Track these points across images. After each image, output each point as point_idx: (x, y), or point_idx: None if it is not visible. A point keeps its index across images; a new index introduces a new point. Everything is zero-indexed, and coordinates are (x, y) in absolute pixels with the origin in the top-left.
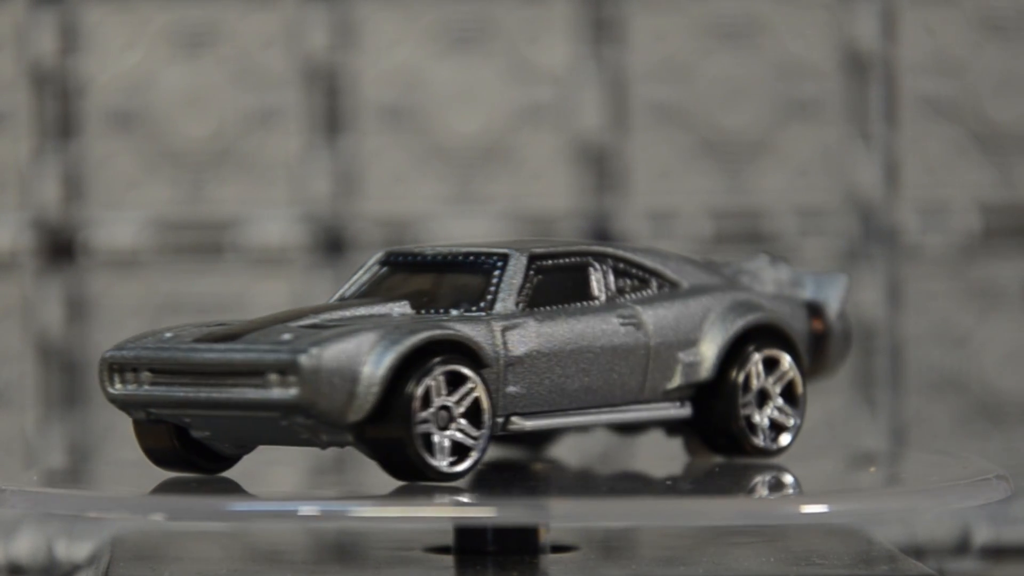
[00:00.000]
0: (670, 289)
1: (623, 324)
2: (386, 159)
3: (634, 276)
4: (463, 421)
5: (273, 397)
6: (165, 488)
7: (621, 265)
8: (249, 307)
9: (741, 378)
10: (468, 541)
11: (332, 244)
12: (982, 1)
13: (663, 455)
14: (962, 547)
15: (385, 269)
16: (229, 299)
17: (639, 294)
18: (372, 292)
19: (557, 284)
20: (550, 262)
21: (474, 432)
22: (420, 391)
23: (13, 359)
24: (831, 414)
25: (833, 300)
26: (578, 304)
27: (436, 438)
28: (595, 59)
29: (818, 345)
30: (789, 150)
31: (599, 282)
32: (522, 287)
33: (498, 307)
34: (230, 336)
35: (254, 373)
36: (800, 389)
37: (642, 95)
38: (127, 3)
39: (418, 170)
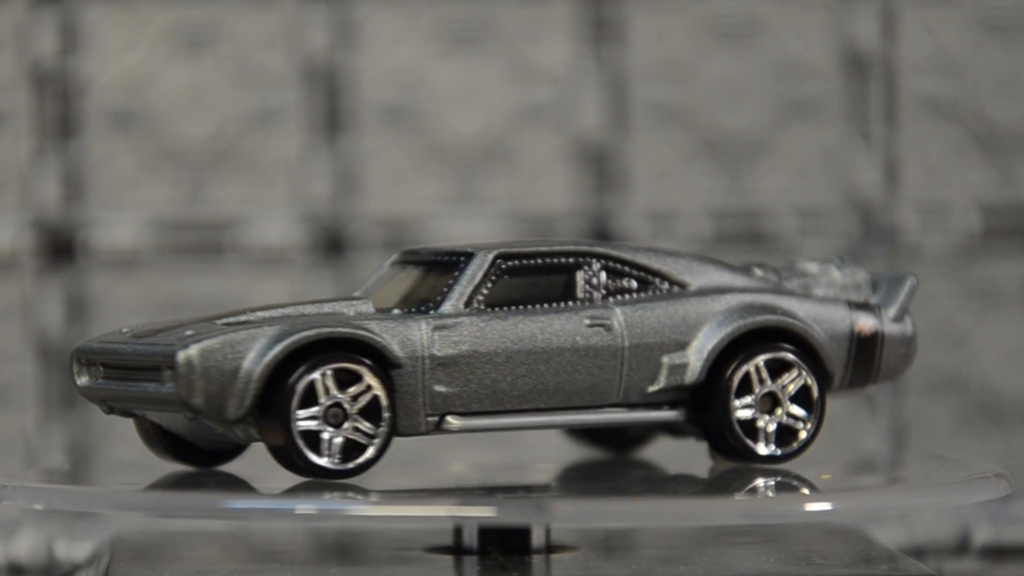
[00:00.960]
0: (674, 290)
1: (591, 325)
2: (386, 159)
3: (631, 276)
4: (360, 419)
5: (162, 392)
6: (163, 486)
7: (616, 265)
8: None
9: (735, 381)
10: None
11: (332, 244)
12: (982, 1)
13: (668, 457)
14: (962, 547)
15: (394, 268)
16: (229, 299)
17: (628, 295)
18: (374, 290)
19: (531, 284)
20: (523, 262)
21: (371, 430)
22: (301, 387)
23: (13, 359)
24: (831, 414)
25: (892, 303)
26: (545, 305)
27: (325, 435)
28: (595, 59)
29: (867, 348)
30: (789, 150)
31: (584, 282)
32: (479, 287)
33: (445, 306)
34: (156, 331)
35: (154, 368)
36: (815, 394)
37: (642, 95)
38: (127, 3)
39: (418, 170)
